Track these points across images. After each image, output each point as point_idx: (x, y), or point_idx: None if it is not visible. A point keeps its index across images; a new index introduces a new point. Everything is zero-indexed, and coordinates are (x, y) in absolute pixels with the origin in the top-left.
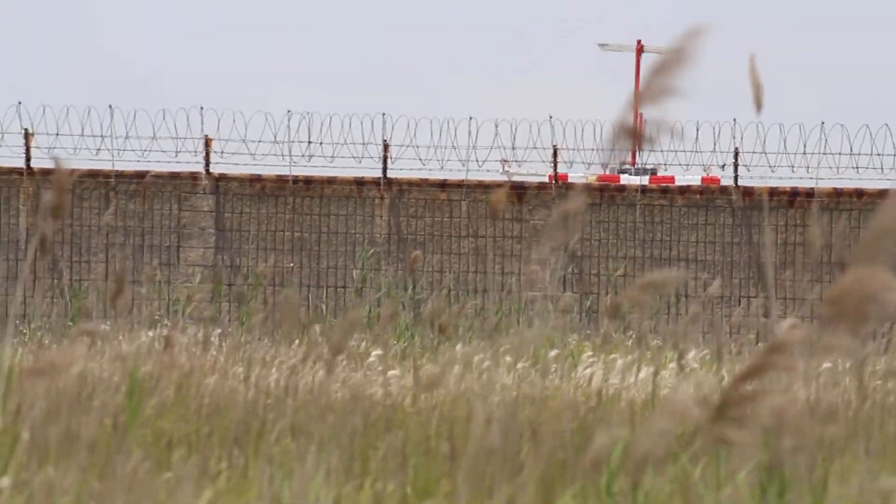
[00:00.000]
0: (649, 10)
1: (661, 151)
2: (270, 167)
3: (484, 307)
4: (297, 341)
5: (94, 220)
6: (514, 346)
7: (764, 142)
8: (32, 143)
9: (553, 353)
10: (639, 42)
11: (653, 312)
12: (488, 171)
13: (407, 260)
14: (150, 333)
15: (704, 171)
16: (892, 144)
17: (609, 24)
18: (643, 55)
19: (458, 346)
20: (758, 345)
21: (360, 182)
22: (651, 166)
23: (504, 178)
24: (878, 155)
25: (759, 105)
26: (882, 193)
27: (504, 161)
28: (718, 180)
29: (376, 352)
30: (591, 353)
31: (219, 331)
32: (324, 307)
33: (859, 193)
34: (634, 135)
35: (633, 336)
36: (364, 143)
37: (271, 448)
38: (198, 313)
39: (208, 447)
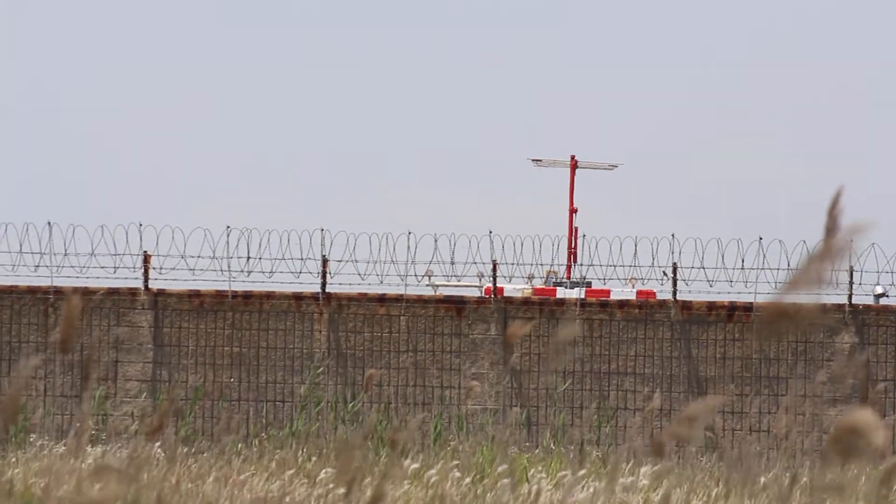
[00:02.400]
0: (584, 124)
1: (600, 265)
2: (209, 282)
3: (425, 421)
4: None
5: (32, 337)
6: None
7: (702, 257)
8: None
9: (501, 467)
10: (573, 157)
11: (595, 425)
12: (427, 285)
13: (346, 374)
14: (96, 450)
15: (628, 283)
16: None
17: (542, 139)
18: (577, 170)
19: (407, 462)
20: (702, 458)
21: (298, 297)
22: (587, 279)
23: (430, 290)
24: None
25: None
26: (821, 308)
27: (429, 273)
28: (654, 294)
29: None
30: (540, 468)
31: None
32: (264, 422)
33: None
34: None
35: (575, 449)
36: (303, 259)
37: None
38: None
39: None
